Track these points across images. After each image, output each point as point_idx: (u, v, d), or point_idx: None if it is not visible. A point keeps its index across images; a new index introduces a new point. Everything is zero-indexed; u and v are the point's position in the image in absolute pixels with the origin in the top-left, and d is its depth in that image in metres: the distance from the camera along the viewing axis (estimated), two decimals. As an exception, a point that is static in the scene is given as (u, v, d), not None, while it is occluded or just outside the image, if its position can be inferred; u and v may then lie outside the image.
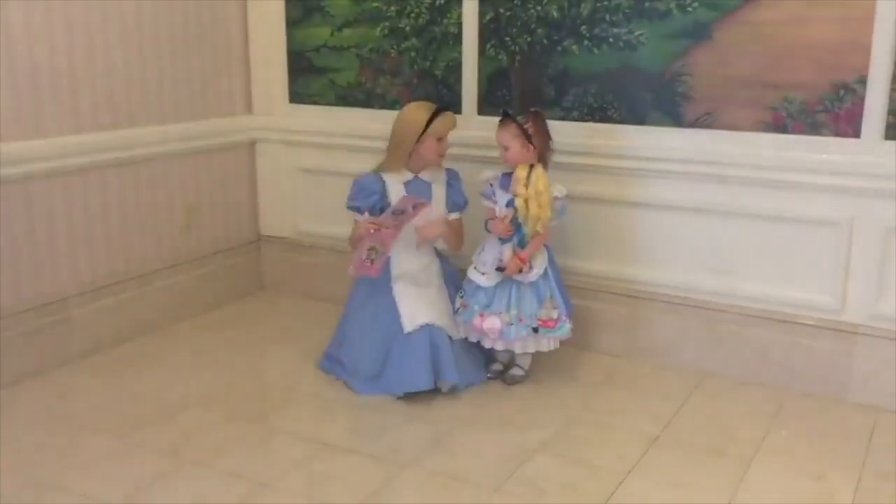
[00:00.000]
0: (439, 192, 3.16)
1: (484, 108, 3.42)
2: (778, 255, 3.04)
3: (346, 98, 3.79)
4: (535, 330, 2.98)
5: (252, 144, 4.04)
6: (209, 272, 3.89)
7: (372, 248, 3.01)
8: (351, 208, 3.16)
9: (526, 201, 2.90)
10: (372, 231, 3.01)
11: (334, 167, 3.79)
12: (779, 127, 2.95)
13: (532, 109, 3.00)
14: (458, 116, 3.36)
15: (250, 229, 4.11)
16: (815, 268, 2.99)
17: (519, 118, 2.93)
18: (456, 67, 3.49)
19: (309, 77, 3.86)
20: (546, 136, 2.98)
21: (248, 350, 3.48)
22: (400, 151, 3.12)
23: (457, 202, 3.17)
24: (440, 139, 3.09)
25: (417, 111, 3.11)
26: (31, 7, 3.01)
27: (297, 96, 3.91)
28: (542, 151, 2.97)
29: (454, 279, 3.23)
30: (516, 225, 2.96)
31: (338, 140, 3.79)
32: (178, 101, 3.64)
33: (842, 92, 2.84)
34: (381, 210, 3.09)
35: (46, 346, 3.18)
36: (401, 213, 3.01)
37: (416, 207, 3.01)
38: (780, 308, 3.07)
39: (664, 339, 3.28)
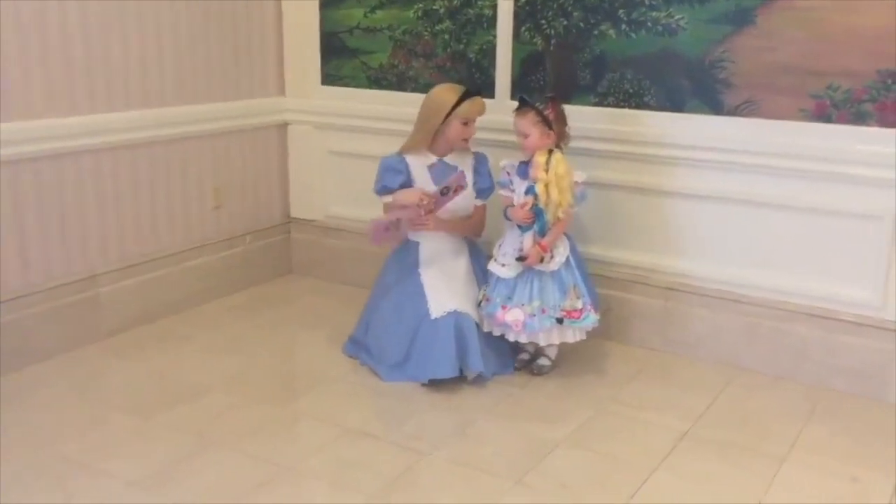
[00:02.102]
0: (466, 176, 3.10)
1: (517, 92, 3.34)
2: (818, 248, 2.96)
3: (378, 80, 3.75)
4: (560, 321, 2.92)
5: (284, 126, 4.02)
6: (238, 253, 3.89)
7: (396, 223, 3.00)
8: (379, 190, 3.12)
9: (546, 186, 2.85)
10: (423, 202, 2.97)
11: (365, 150, 3.75)
12: (822, 116, 2.86)
13: (549, 95, 2.95)
14: (490, 101, 3.31)
15: (280, 211, 4.10)
16: (856, 263, 2.90)
17: (537, 104, 2.87)
18: (490, 51, 3.43)
19: (341, 59, 3.82)
20: (564, 121, 2.92)
21: (274, 332, 3.47)
22: (424, 132, 3.08)
23: (483, 188, 3.13)
24: (466, 123, 3.05)
25: (446, 92, 3.07)
26: (64, -16, 3.01)
27: (329, 78, 3.88)
28: (561, 137, 2.92)
29: (485, 268, 3.17)
30: (537, 212, 2.90)
31: (369, 123, 3.76)
32: (210, 82, 3.63)
33: (889, 81, 2.74)
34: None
35: (74, 324, 3.19)
36: (445, 194, 2.98)
37: (456, 191, 2.99)
38: (819, 303, 2.98)
39: (699, 333, 3.21)
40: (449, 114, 3.03)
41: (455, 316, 2.93)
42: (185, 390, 2.90)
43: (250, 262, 3.94)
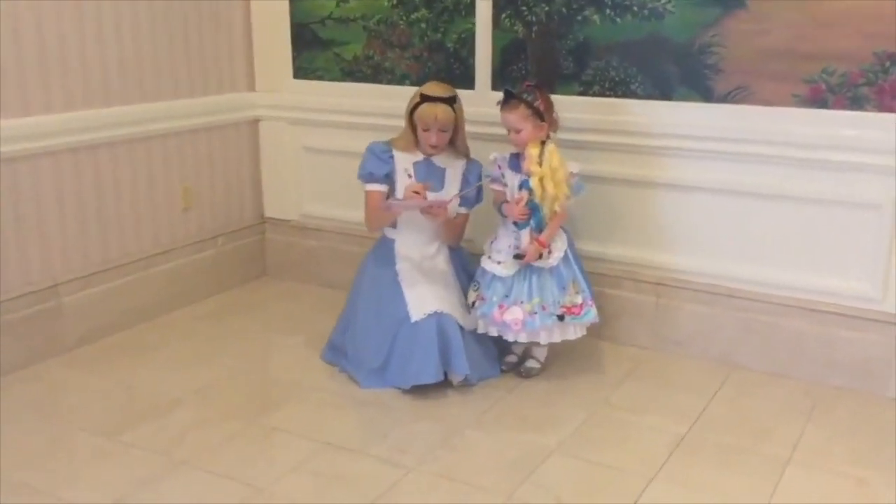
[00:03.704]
0: (453, 181, 2.97)
1: (498, 82, 3.22)
2: (815, 240, 2.86)
3: (352, 73, 3.60)
4: (561, 318, 2.80)
5: (255, 122, 3.87)
6: (209, 257, 3.73)
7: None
8: (363, 176, 2.96)
9: (541, 180, 2.72)
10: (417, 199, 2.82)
11: (341, 146, 3.61)
12: (817, 101, 2.76)
13: (531, 84, 2.79)
14: (470, 92, 3.18)
15: (253, 211, 3.95)
16: (854, 254, 2.81)
17: (525, 95, 2.73)
18: (469, 39, 3.30)
19: (314, 51, 3.67)
20: (552, 107, 2.79)
21: (249, 339, 3.33)
22: (406, 129, 2.95)
23: (468, 198, 2.97)
24: (425, 129, 2.87)
25: (419, 91, 2.91)
26: (14, -24, 2.83)
27: (301, 71, 3.73)
28: (551, 125, 2.79)
29: (467, 267, 3.05)
30: (532, 207, 2.77)
31: (345, 117, 3.62)
32: (175, 78, 3.46)
33: (887, 63, 2.64)
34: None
35: (35, 336, 3.03)
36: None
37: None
38: (816, 297, 2.89)
39: (693, 330, 3.10)
40: (412, 114, 2.89)
41: (437, 317, 2.80)
42: (153, 405, 2.75)
43: (222, 266, 3.79)
